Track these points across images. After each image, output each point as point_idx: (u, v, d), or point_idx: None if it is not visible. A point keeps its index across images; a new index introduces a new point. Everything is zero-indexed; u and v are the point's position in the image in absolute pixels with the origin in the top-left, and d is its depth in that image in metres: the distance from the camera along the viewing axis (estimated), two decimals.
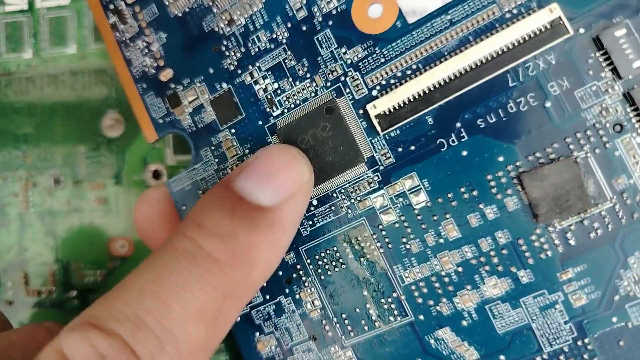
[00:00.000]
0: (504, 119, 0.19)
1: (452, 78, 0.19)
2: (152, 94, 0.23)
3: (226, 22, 0.22)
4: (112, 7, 0.23)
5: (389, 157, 0.20)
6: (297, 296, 0.21)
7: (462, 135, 0.19)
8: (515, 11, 0.19)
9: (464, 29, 0.19)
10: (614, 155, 0.18)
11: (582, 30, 0.18)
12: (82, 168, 0.26)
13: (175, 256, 0.17)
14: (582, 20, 0.18)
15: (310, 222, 0.21)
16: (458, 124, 0.19)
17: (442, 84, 0.19)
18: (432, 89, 0.19)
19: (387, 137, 0.20)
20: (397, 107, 0.20)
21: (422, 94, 0.19)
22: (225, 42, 0.22)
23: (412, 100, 0.19)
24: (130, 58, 0.23)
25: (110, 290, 0.17)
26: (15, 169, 0.27)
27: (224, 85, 0.22)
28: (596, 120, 0.18)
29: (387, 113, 0.20)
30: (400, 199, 0.20)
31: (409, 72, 0.20)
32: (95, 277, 0.26)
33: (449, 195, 0.20)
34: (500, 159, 0.19)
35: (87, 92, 0.27)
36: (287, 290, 0.21)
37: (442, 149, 0.20)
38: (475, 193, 0.19)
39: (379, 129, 0.20)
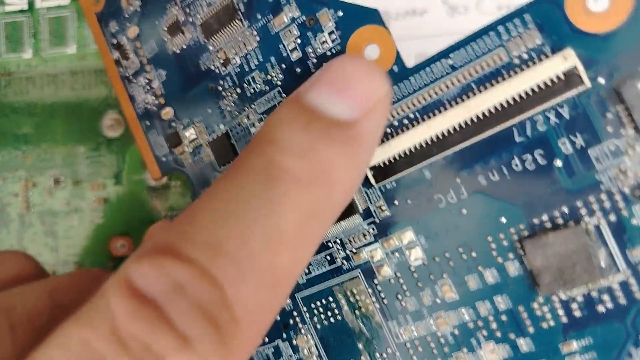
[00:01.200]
0: (507, 177, 0.17)
1: (452, 131, 0.17)
2: (155, 132, 0.23)
3: (222, 61, 0.21)
4: (114, 41, 0.23)
5: (385, 210, 0.19)
6: (294, 342, 0.21)
7: (461, 192, 0.18)
8: (525, 56, 0.17)
9: (466, 76, 0.18)
10: (631, 223, 0.16)
11: (600, 81, 0.16)
12: (82, 168, 0.26)
13: (250, 176, 0.15)
14: (601, 69, 0.16)
15: (306, 270, 0.21)
16: (458, 180, 0.18)
17: (441, 137, 0.18)
18: (429, 142, 0.18)
19: (383, 189, 0.19)
20: (392, 160, 0.18)
21: (418, 147, 0.18)
22: (221, 82, 0.21)
23: (407, 153, 0.18)
24: (134, 94, 0.23)
25: (179, 216, 0.15)
26: (15, 169, 0.27)
27: (222, 127, 0.21)
28: (612, 183, 0.16)
29: (382, 165, 0.19)
30: (396, 254, 0.19)
31: (405, 121, 0.18)
32: None
33: (447, 255, 0.18)
34: (503, 220, 0.17)
35: (87, 92, 0.27)
36: (284, 335, 0.21)
37: (440, 205, 0.18)
38: (474, 254, 0.18)
39: (373, 181, 0.19)
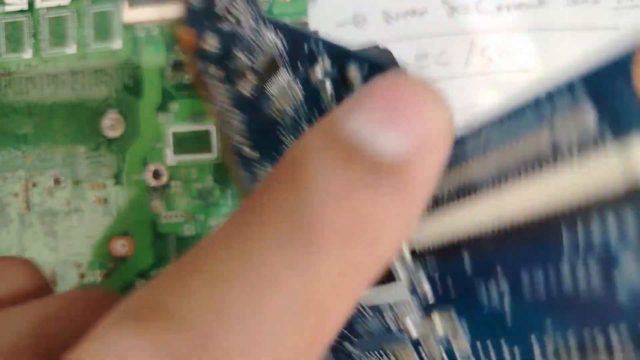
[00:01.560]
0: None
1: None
2: (241, 167, 0.23)
3: (278, 109, 0.21)
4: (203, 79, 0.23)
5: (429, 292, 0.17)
6: None
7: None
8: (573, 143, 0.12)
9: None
10: None
11: None
12: (82, 168, 0.26)
13: (275, 221, 0.12)
14: None
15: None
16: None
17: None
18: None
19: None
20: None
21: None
22: (280, 129, 0.20)
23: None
24: (226, 131, 0.23)
25: (177, 266, 0.12)
26: (15, 169, 0.27)
27: None
28: None
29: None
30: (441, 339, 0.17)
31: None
32: (95, 277, 0.26)
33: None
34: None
35: (87, 92, 0.27)
36: None
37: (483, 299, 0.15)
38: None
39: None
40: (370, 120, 0.12)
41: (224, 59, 0.22)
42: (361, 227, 0.12)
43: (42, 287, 0.19)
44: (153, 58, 0.26)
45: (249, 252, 0.11)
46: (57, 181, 0.27)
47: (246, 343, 0.10)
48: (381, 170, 0.12)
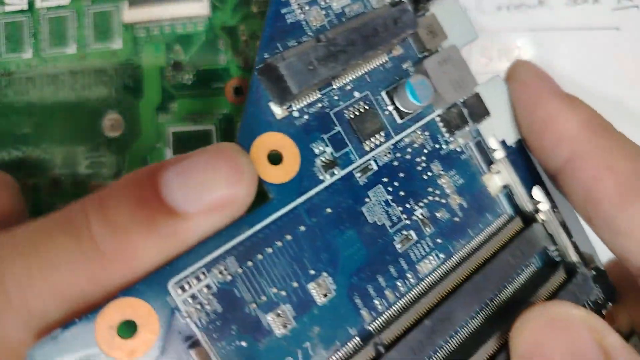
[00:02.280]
0: None
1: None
2: None
3: None
4: None
5: None
6: None
7: None
8: None
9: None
10: None
11: None
12: (82, 168, 0.26)
13: (64, 230, 0.16)
14: None
15: None
16: None
17: None
18: None
19: None
20: None
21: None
22: None
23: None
24: None
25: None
26: (15, 169, 0.27)
27: None
28: None
29: None
30: None
31: None
32: None
33: None
34: None
35: (87, 92, 0.27)
36: None
37: None
38: None
39: None
40: (175, 173, 0.16)
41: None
42: (125, 256, 0.15)
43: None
44: (153, 58, 0.26)
45: (35, 251, 0.16)
46: (57, 181, 0.27)
47: (6, 308, 0.15)
48: (166, 216, 0.15)
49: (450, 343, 0.20)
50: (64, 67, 0.27)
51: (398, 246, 0.20)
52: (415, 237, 0.21)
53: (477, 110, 0.22)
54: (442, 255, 0.21)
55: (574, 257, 0.22)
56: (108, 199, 0.16)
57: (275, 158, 0.19)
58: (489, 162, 0.23)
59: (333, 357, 0.18)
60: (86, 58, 0.27)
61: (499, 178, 0.23)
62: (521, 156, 0.23)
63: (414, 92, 0.21)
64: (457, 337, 0.20)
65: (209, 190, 0.16)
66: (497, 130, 0.23)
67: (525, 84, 0.22)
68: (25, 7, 0.27)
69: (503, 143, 0.23)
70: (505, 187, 0.23)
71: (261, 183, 0.18)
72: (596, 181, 0.20)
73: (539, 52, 0.25)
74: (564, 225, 0.22)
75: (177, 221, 0.16)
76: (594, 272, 0.22)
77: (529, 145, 0.23)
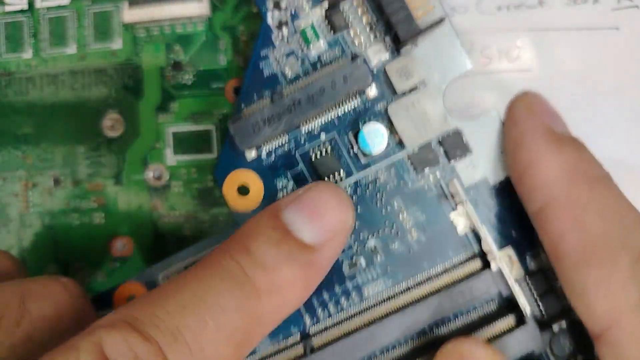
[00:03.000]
0: None
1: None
2: None
3: None
4: None
5: None
6: None
7: None
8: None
9: None
10: None
11: None
12: (82, 168, 0.26)
13: (221, 276, 0.18)
14: None
15: None
16: None
17: None
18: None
19: None
20: None
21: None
22: None
23: None
24: None
25: (152, 293, 0.18)
26: (15, 169, 0.27)
27: None
28: None
29: None
30: None
31: None
32: (95, 277, 0.26)
33: None
34: None
35: (87, 92, 0.27)
36: None
37: None
38: None
39: None
40: (300, 215, 0.19)
41: None
42: (277, 289, 0.18)
43: (17, 271, 0.22)
44: (153, 58, 0.26)
45: (199, 302, 0.17)
46: (57, 181, 0.27)
47: (188, 358, 0.17)
48: (301, 250, 0.19)
49: None
50: (64, 67, 0.27)
51: (345, 269, 0.22)
52: (364, 263, 0.22)
53: (455, 148, 0.22)
54: (389, 282, 0.22)
55: (527, 308, 0.21)
56: (250, 244, 0.19)
57: (244, 190, 0.22)
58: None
59: (271, 348, 0.22)
60: (86, 58, 0.27)
61: (466, 218, 0.22)
62: (505, 195, 0.22)
63: (365, 141, 0.22)
64: (377, 358, 0.22)
65: (330, 220, 0.19)
66: (481, 168, 0.22)
67: (514, 121, 0.21)
68: (25, 7, 0.27)
69: (485, 182, 0.22)
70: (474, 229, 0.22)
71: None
72: (562, 237, 0.19)
73: (539, 52, 0.25)
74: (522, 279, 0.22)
75: (312, 252, 0.19)
76: (559, 327, 0.21)
77: (514, 185, 0.22)
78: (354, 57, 0.22)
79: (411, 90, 0.22)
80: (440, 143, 0.22)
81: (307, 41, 0.23)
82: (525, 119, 0.21)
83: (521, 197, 0.21)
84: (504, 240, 0.22)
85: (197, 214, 0.26)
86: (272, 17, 0.23)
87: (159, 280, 0.22)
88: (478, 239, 0.22)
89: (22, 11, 0.27)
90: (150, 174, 0.26)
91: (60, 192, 0.27)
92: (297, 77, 0.22)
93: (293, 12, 0.23)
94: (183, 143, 0.26)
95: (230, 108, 0.26)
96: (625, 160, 0.25)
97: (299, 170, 0.22)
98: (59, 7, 0.27)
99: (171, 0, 0.26)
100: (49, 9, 0.27)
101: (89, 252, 0.26)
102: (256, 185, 0.22)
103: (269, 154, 0.22)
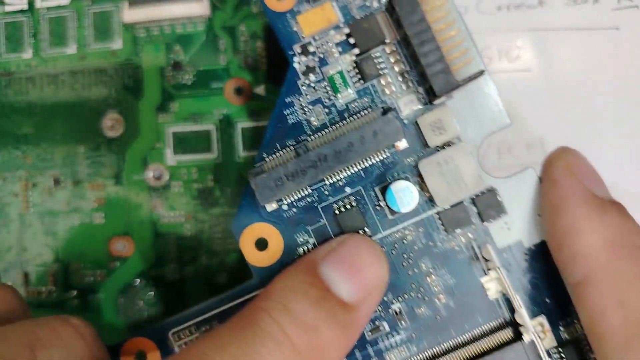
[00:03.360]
0: None
1: None
2: None
3: None
4: None
5: None
6: None
7: None
8: None
9: None
10: None
11: None
12: (82, 168, 0.26)
13: (260, 337, 0.17)
14: None
15: None
16: None
17: None
18: None
19: None
20: None
21: None
22: None
23: None
24: None
25: (195, 347, 0.17)
26: (15, 169, 0.27)
27: None
28: None
29: None
30: None
31: None
32: (95, 277, 0.26)
33: None
34: None
35: (87, 92, 0.27)
36: None
37: None
38: None
39: None
40: (338, 271, 0.18)
41: None
42: (317, 350, 0.18)
43: (23, 312, 0.21)
44: (153, 58, 0.26)
45: (240, 353, 0.17)
46: (57, 181, 0.27)
47: None
48: (341, 308, 0.18)
49: None
50: (64, 67, 0.27)
51: (367, 334, 0.21)
52: (387, 328, 0.21)
53: (490, 208, 0.21)
54: (413, 349, 0.21)
55: None
56: (289, 302, 0.18)
57: (262, 244, 0.21)
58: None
59: None
60: (86, 58, 0.27)
61: (498, 284, 0.21)
62: (543, 259, 0.21)
63: (393, 199, 0.21)
64: None
65: (368, 276, 0.19)
66: (515, 230, 0.21)
67: (554, 182, 0.20)
68: (25, 7, 0.27)
69: (519, 245, 0.21)
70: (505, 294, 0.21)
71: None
72: (603, 314, 0.18)
73: (539, 52, 0.25)
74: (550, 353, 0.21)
75: (351, 311, 0.18)
76: None
77: (551, 252, 0.20)
78: (385, 110, 0.21)
79: (444, 145, 0.21)
80: (473, 202, 0.21)
81: (335, 89, 0.21)
82: (565, 181, 0.19)
83: (559, 266, 0.20)
84: (537, 307, 0.21)
85: (197, 214, 0.26)
86: (299, 63, 0.21)
87: (169, 338, 0.22)
88: (509, 304, 0.21)
89: (22, 11, 0.27)
90: (150, 174, 0.26)
91: (60, 192, 0.27)
92: (323, 127, 0.21)
93: (321, 58, 0.21)
94: (183, 143, 0.26)
95: (230, 108, 0.26)
96: (626, 160, 0.25)
97: (322, 224, 0.21)
98: (59, 7, 0.27)
99: (171, 0, 0.26)
100: (49, 9, 0.27)
101: (89, 252, 0.26)
102: (275, 240, 0.21)
103: (290, 206, 0.21)
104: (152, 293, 0.26)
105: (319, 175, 0.20)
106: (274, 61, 0.26)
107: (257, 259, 0.21)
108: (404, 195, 0.21)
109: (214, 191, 0.26)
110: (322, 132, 0.21)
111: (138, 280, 0.26)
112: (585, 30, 0.25)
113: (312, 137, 0.21)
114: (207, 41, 0.26)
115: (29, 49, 0.27)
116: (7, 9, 0.27)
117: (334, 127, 0.21)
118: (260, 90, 0.26)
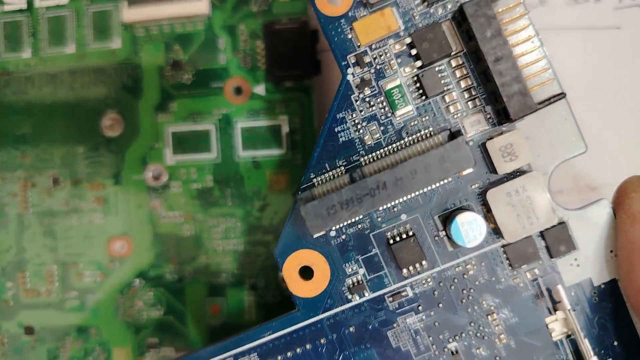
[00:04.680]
0: None
1: None
2: None
3: None
4: None
5: None
6: None
7: None
8: None
9: None
10: None
11: None
12: (81, 168, 0.26)
13: None
14: None
15: None
16: None
17: None
18: None
19: None
20: None
21: None
22: None
23: None
24: None
25: None
26: (14, 169, 0.27)
27: None
28: None
29: None
30: None
31: None
32: (94, 277, 0.26)
33: None
34: None
35: (86, 92, 0.26)
36: None
37: None
38: None
39: None
40: None
41: None
42: None
43: None
44: (152, 58, 0.26)
45: None
46: (56, 181, 0.27)
47: None
48: None
49: None
50: (63, 66, 0.27)
51: None
52: None
53: (560, 243, 0.19)
54: None
55: None
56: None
57: (307, 273, 0.20)
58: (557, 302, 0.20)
59: None
60: (85, 57, 0.27)
61: (564, 325, 0.19)
62: (612, 299, 0.19)
63: (458, 232, 0.19)
64: None
65: None
66: (586, 267, 0.19)
67: (632, 218, 0.18)
68: (24, 6, 0.27)
69: (589, 282, 0.19)
70: (570, 335, 0.19)
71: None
72: None
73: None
74: None
75: None
76: None
77: (624, 293, 0.18)
78: (453, 133, 0.19)
79: (515, 172, 0.19)
80: (542, 235, 0.19)
81: (393, 105, 0.19)
82: None
83: (636, 313, 0.18)
84: (604, 350, 0.19)
85: (196, 214, 0.26)
86: (353, 74, 0.19)
87: None
88: (574, 345, 0.19)
89: (21, 11, 0.27)
90: (149, 174, 0.26)
91: (59, 192, 0.26)
92: (377, 146, 0.19)
93: (378, 70, 0.19)
94: (182, 143, 0.26)
95: (230, 108, 0.26)
96: (626, 160, 0.25)
97: (373, 254, 0.19)
98: (58, 6, 0.27)
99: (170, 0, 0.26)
100: (47, 8, 0.27)
101: (88, 252, 0.26)
102: (321, 269, 0.20)
103: (338, 232, 0.19)
104: (152, 293, 0.26)
105: (377, 205, 0.18)
106: (273, 61, 0.26)
107: (301, 289, 0.20)
108: (471, 228, 0.19)
109: (213, 191, 0.26)
110: (377, 152, 0.19)
111: (137, 280, 0.26)
112: (587, 30, 0.25)
113: (366, 157, 0.19)
114: (207, 40, 0.26)
115: (28, 48, 0.27)
116: (6, 8, 0.27)
117: (390, 147, 0.19)
118: (259, 89, 0.26)
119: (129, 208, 0.26)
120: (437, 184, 0.19)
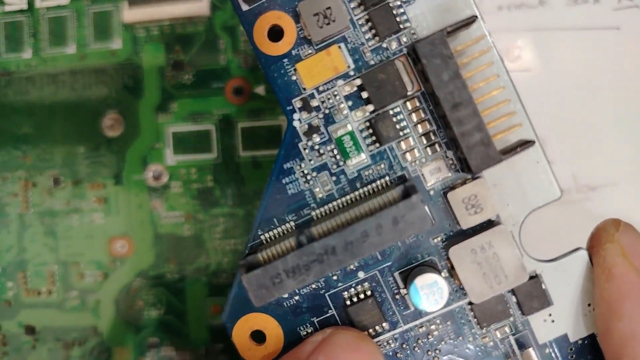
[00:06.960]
0: None
1: None
2: None
3: None
4: None
5: None
6: None
7: None
8: None
9: None
10: None
11: None
12: (82, 168, 0.26)
13: None
14: None
15: None
16: None
17: None
18: None
19: None
20: None
21: None
22: None
23: None
24: None
25: None
26: (15, 169, 0.27)
27: None
28: None
29: None
30: None
31: None
32: (95, 277, 0.26)
33: None
34: None
35: (86, 92, 0.26)
36: None
37: None
38: None
39: None
40: None
41: None
42: None
43: None
44: (153, 58, 0.26)
45: None
46: (56, 181, 0.27)
47: None
48: None
49: None
50: (63, 66, 0.27)
51: None
52: None
53: (532, 299, 0.17)
54: None
55: None
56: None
57: (259, 337, 0.18)
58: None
59: None
60: (86, 58, 0.27)
61: None
62: (590, 356, 0.18)
63: (418, 296, 0.17)
64: None
65: None
66: (561, 323, 0.18)
67: (609, 274, 0.16)
68: (24, 6, 0.27)
69: (564, 339, 0.18)
70: None
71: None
72: None
73: (539, 52, 0.25)
74: None
75: None
76: None
77: (605, 354, 0.17)
78: (408, 190, 0.17)
79: (480, 226, 0.17)
80: (512, 291, 0.18)
81: (344, 154, 0.17)
82: (622, 273, 0.16)
83: None
84: None
85: (196, 214, 0.26)
86: (300, 120, 0.18)
87: None
88: None
89: (21, 11, 0.27)
90: (150, 174, 0.26)
91: (60, 192, 0.26)
92: (330, 199, 0.18)
93: (327, 115, 0.18)
94: (183, 143, 0.26)
95: (230, 108, 0.26)
96: (626, 160, 0.25)
97: (329, 316, 0.18)
98: (59, 7, 0.27)
99: (171, 0, 0.26)
100: (48, 8, 0.27)
101: (89, 252, 0.26)
102: (274, 333, 0.18)
103: (291, 293, 0.18)
104: (152, 293, 0.26)
105: (326, 271, 0.16)
106: None
107: (254, 354, 0.18)
108: (432, 292, 0.17)
109: (213, 191, 0.26)
110: (329, 205, 0.18)
111: (138, 281, 0.26)
112: (586, 30, 0.25)
113: (317, 211, 0.18)
114: (207, 41, 0.26)
115: (29, 48, 0.27)
116: (7, 8, 0.27)
117: (343, 199, 0.18)
118: (260, 90, 0.26)
119: (130, 208, 0.26)
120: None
